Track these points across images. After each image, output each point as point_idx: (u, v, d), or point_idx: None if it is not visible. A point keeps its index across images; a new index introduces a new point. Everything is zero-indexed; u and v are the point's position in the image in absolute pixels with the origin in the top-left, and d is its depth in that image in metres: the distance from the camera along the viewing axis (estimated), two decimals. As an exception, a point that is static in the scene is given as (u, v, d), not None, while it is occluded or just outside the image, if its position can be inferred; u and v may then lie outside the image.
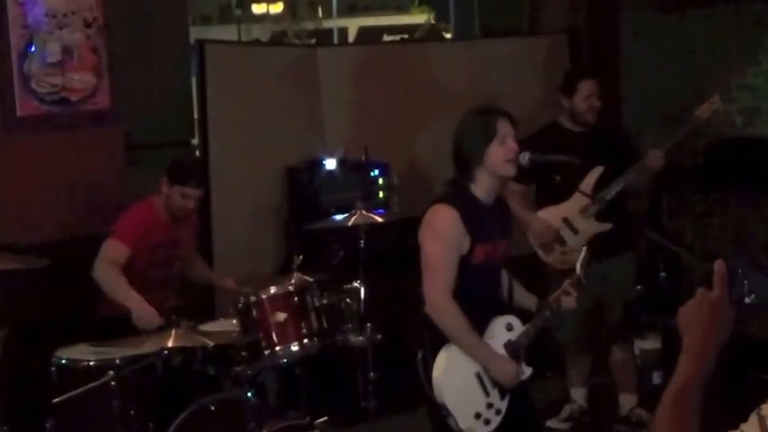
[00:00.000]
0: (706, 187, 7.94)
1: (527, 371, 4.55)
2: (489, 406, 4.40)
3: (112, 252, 5.41)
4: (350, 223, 5.64)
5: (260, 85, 7.24)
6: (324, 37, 22.87)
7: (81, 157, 6.38)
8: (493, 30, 9.12)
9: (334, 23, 24.00)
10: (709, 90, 6.70)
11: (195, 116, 7.20)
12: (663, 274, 6.19)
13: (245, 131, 7.15)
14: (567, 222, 6.13)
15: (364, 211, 5.69)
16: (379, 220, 5.73)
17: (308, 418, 4.92)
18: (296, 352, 5.00)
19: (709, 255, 5.47)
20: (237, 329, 5.02)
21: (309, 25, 24.34)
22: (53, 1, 6.17)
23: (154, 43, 6.90)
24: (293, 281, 5.16)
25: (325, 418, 5.06)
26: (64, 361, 4.85)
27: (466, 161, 4.41)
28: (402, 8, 25.74)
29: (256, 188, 7.22)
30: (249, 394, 4.84)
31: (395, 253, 6.23)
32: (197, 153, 7.09)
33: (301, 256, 5.36)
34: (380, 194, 7.29)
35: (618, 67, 8.68)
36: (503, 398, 4.44)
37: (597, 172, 6.08)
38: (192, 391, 4.89)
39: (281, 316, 4.95)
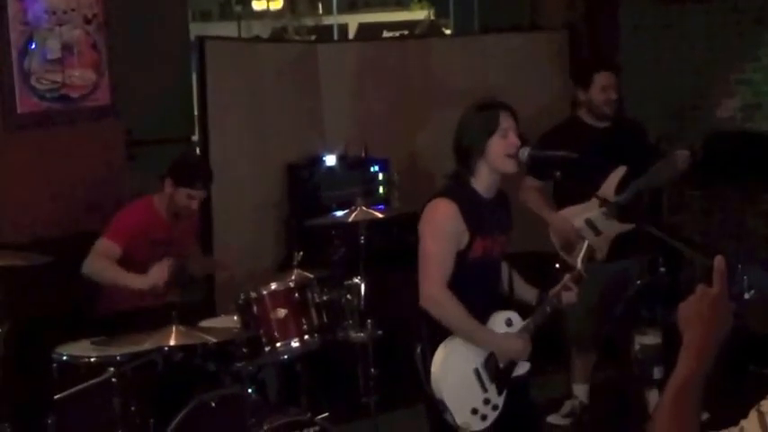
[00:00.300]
0: (705, 182, 7.94)
1: (525, 366, 4.55)
2: (486, 401, 4.39)
3: (103, 251, 5.41)
4: (350, 219, 5.64)
5: (260, 81, 7.25)
6: (324, 33, 22.88)
7: (81, 154, 6.38)
8: (492, 25, 9.12)
9: (334, 20, 24.00)
10: (709, 85, 6.70)
11: (195, 113, 7.20)
12: (663, 269, 6.18)
13: (246, 128, 7.16)
14: (590, 223, 6.06)
15: (364, 207, 5.69)
16: (380, 216, 5.73)
17: (308, 414, 4.92)
18: (296, 348, 5.00)
19: (709, 250, 5.46)
20: (238, 326, 5.03)
21: (309, 22, 24.35)
22: (53, -2, 6.19)
23: (154, 40, 6.91)
24: (294, 277, 5.16)
25: (326, 413, 5.06)
26: (65, 357, 4.86)
27: (467, 154, 4.40)
28: (402, 4, 25.74)
29: (256, 184, 7.23)
30: (250, 390, 4.85)
31: (395, 249, 6.23)
32: (197, 150, 7.09)
33: (302, 253, 5.36)
34: (380, 190, 7.31)
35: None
36: (500, 393, 4.44)
37: (620, 172, 6.02)
38: (192, 388, 4.90)
39: (282, 312, 4.95)
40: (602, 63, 6.63)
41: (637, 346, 6.67)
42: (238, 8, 23.97)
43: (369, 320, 5.43)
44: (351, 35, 23.08)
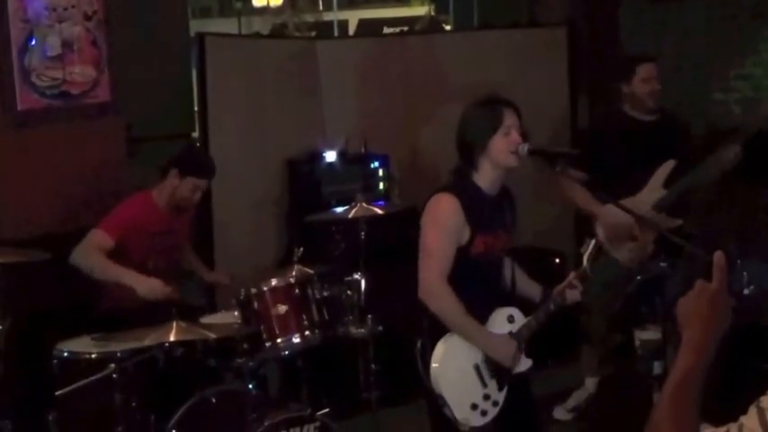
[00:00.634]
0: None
1: (527, 363, 4.55)
2: (486, 397, 4.39)
3: (95, 241, 5.40)
4: (350, 215, 5.65)
5: (260, 77, 7.25)
6: (324, 29, 22.86)
7: (81, 151, 6.38)
8: (492, 22, 9.12)
9: (334, 16, 23.97)
10: (708, 81, 6.69)
11: (195, 109, 7.20)
12: (663, 264, 6.17)
13: (246, 124, 7.16)
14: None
15: (365, 203, 5.69)
16: (380, 211, 5.73)
17: (309, 410, 4.92)
18: (297, 344, 5.01)
19: (710, 245, 5.46)
20: (239, 321, 5.03)
21: (310, 18, 24.31)
22: (53, -6, 6.19)
23: (154, 36, 6.91)
24: (294, 273, 5.16)
25: (327, 409, 5.06)
26: (66, 354, 4.86)
27: (469, 150, 4.40)
28: (402, 0, 25.70)
29: (257, 180, 7.23)
30: (250, 386, 4.86)
31: (395, 244, 6.23)
32: (196, 144, 7.10)
33: (302, 249, 5.36)
34: (381, 186, 7.31)
35: (617, 59, 8.67)
36: (500, 389, 4.44)
37: (669, 166, 5.93)
38: (193, 384, 4.90)
39: (283, 308, 4.96)
40: (644, 55, 6.48)
41: (637, 342, 6.68)
42: (238, 4, 23.96)
43: (369, 316, 5.44)
44: (351, 31, 23.05)
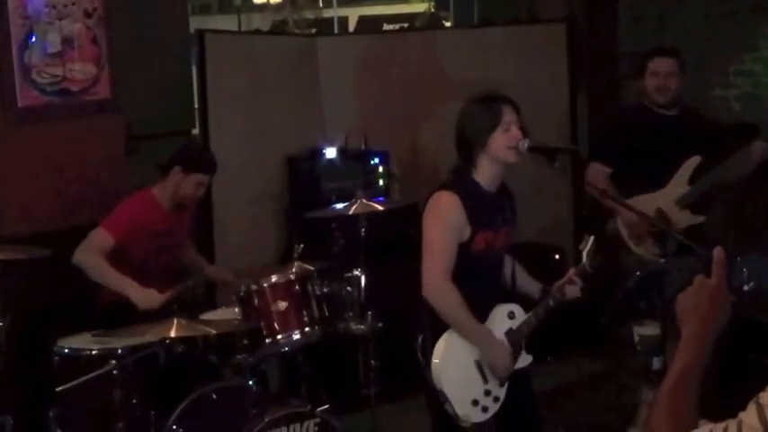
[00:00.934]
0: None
1: (527, 359, 4.56)
2: (487, 393, 4.40)
3: (97, 240, 5.40)
4: (350, 212, 5.65)
5: (260, 74, 7.25)
6: (324, 26, 22.80)
7: (81, 148, 6.38)
8: (492, 18, 9.12)
9: (334, 13, 23.92)
10: (708, 77, 6.67)
11: (195, 106, 7.20)
12: (662, 260, 6.17)
13: (246, 121, 7.16)
14: (661, 213, 5.86)
15: (364, 200, 5.69)
16: (380, 208, 5.73)
17: (309, 406, 4.93)
18: (297, 340, 5.02)
19: (709, 241, 5.46)
20: (239, 318, 5.03)
21: (310, 14, 24.27)
22: (53, -9, 6.19)
23: (154, 33, 6.92)
24: (294, 269, 5.17)
25: (327, 405, 5.07)
26: (66, 350, 4.87)
27: (469, 146, 4.39)
28: (402, -3, 25.65)
29: (257, 177, 7.24)
30: (251, 382, 4.86)
31: (395, 241, 6.24)
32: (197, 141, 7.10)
33: (302, 245, 5.36)
34: (380, 183, 7.31)
35: (616, 55, 8.69)
36: (501, 385, 4.45)
37: (695, 161, 5.86)
38: (193, 380, 4.91)
39: (283, 304, 4.97)
40: (660, 49, 6.34)
41: (636, 338, 6.67)
42: (238, 1, 23.92)
43: (369, 312, 5.45)
44: (351, 28, 23.03)
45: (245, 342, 4.93)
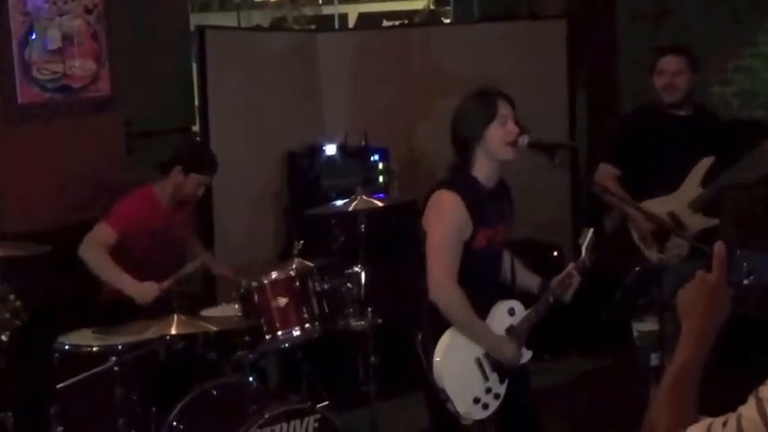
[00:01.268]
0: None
1: (527, 355, 4.56)
2: (488, 391, 4.39)
3: (100, 234, 5.40)
4: (350, 208, 5.65)
5: (260, 71, 7.26)
6: (324, 23, 22.80)
7: (81, 144, 6.38)
8: (491, 14, 9.12)
9: (334, 9, 23.91)
10: (707, 74, 6.64)
11: (195, 103, 7.20)
12: (662, 256, 6.17)
13: (246, 117, 7.16)
14: (673, 216, 5.73)
15: (364, 196, 5.70)
16: (379, 204, 5.73)
17: (309, 402, 4.93)
18: (297, 336, 5.02)
19: (708, 237, 5.45)
20: (239, 315, 5.04)
21: (309, 11, 24.26)
22: (53, -12, 6.19)
23: (154, 30, 6.92)
24: (294, 266, 5.17)
25: (326, 402, 5.07)
26: (67, 347, 4.88)
27: (465, 142, 4.38)
28: (402, -7, 25.63)
29: (257, 174, 7.24)
30: (251, 379, 4.86)
31: (395, 237, 6.23)
32: (197, 139, 7.10)
33: (302, 242, 5.36)
34: (380, 179, 7.31)
35: (615, 51, 8.69)
36: (502, 382, 4.44)
37: (707, 162, 5.73)
38: (193, 377, 4.92)
39: (283, 301, 4.97)
40: (670, 47, 6.15)
41: (635, 333, 6.67)
42: (238, -2, 23.92)
43: (369, 309, 5.45)
44: (351, 24, 23.03)
45: (246, 339, 4.93)
